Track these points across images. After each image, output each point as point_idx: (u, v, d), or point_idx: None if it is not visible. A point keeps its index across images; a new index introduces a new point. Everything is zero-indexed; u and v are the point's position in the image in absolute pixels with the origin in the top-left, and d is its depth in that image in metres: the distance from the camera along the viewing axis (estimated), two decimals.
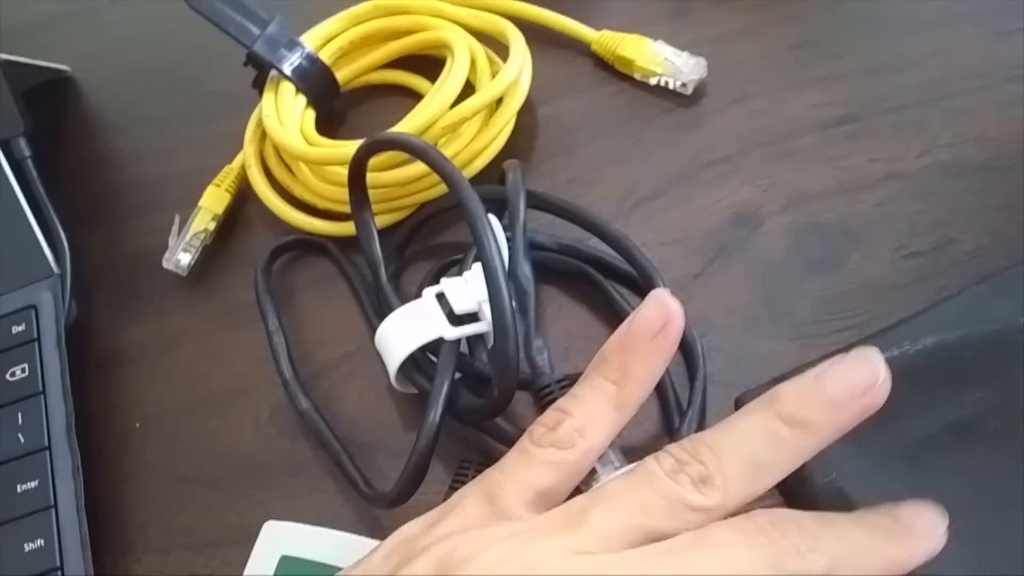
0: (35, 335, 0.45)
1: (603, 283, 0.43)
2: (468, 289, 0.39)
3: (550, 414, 0.31)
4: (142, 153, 0.55)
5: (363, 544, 0.37)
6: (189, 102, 0.57)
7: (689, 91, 0.48)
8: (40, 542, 0.40)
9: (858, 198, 0.43)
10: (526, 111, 0.49)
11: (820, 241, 0.42)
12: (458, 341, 0.39)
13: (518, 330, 0.35)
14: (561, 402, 0.32)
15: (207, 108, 0.56)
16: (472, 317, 0.39)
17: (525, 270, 0.39)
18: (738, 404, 0.38)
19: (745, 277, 0.42)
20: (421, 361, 0.39)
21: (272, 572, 0.37)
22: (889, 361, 0.36)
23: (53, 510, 0.40)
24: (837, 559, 0.27)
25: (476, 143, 0.46)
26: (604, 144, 0.47)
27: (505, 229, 0.41)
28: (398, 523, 0.30)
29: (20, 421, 0.43)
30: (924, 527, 0.29)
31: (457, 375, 0.38)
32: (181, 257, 0.48)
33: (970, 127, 0.44)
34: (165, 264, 0.48)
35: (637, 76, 0.49)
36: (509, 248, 0.40)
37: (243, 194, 0.51)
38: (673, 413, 0.39)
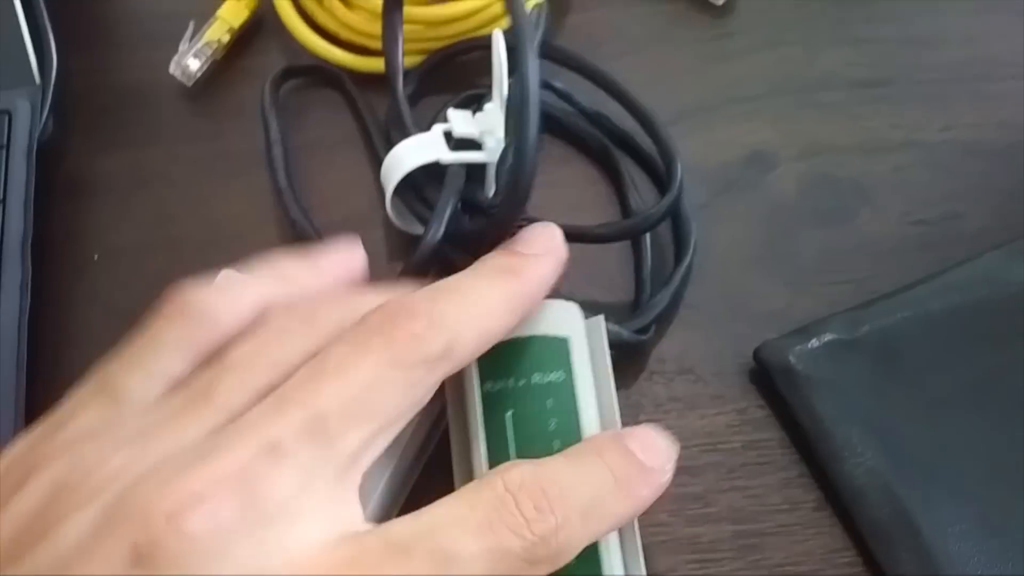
0: (4, 141, 0.42)
1: (619, 163, 0.43)
2: (473, 120, 0.39)
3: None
4: None
5: None
6: None
7: (720, 1, 0.48)
8: None
9: (875, 159, 0.43)
10: (556, 12, 0.48)
11: (831, 193, 0.42)
12: (463, 168, 0.38)
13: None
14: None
15: None
16: (473, 146, 0.39)
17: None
18: (757, 355, 0.37)
19: (750, 215, 0.42)
20: (422, 196, 0.39)
21: None
22: (911, 319, 0.37)
23: None
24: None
25: None
26: (631, 61, 0.46)
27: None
28: None
29: None
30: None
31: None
32: (190, 63, 0.46)
33: (994, 111, 0.44)
34: (172, 68, 0.46)
35: None
36: None
37: (261, 17, 0.49)
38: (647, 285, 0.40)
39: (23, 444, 0.25)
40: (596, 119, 0.44)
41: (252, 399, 0.24)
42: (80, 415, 0.25)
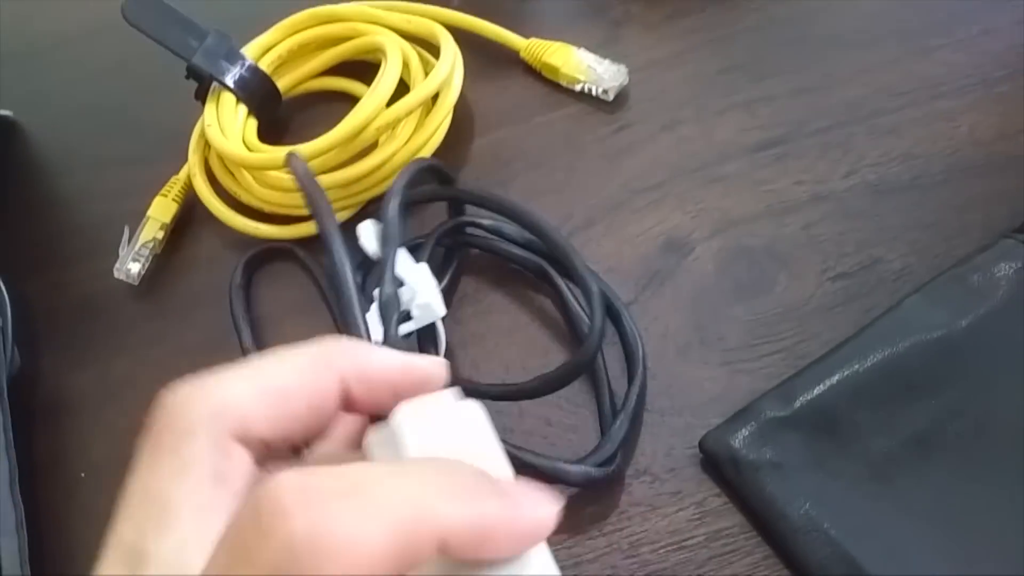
0: None
1: (557, 279, 0.44)
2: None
3: None
4: (86, 196, 0.55)
5: None
6: (134, 143, 0.56)
7: (611, 97, 0.49)
8: None
9: (785, 221, 0.43)
10: (461, 141, 0.50)
11: (748, 265, 0.43)
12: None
13: None
14: None
15: (153, 149, 0.55)
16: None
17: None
18: (702, 446, 0.38)
19: (676, 303, 0.42)
20: None
21: None
22: (840, 382, 0.38)
23: None
24: None
25: (413, 142, 0.48)
26: (538, 174, 0.48)
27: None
28: None
29: None
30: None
31: None
32: (131, 266, 0.49)
33: (896, 145, 0.44)
34: (116, 274, 0.48)
35: (563, 83, 0.50)
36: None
37: (191, 204, 0.51)
38: (607, 412, 0.40)
39: None
40: (528, 245, 0.45)
41: None
42: None
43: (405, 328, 0.41)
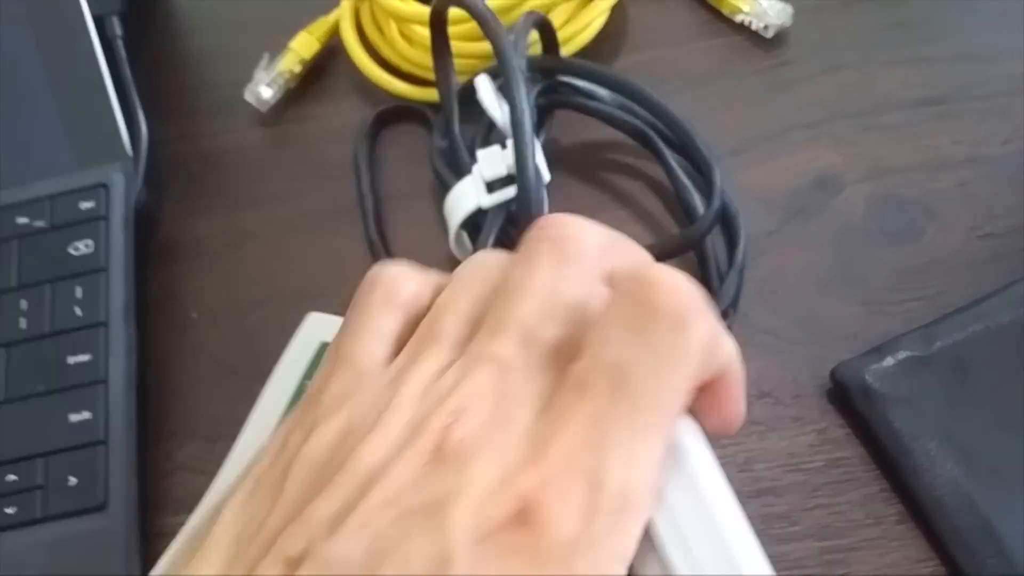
0: (104, 213, 0.45)
1: (662, 148, 0.44)
2: (501, 157, 0.42)
3: None
4: (230, 55, 0.54)
5: None
6: (282, 9, 0.56)
7: (770, 34, 0.49)
8: (87, 414, 0.40)
9: (939, 176, 0.44)
10: (612, 51, 0.50)
11: (898, 212, 0.43)
12: (501, 207, 0.41)
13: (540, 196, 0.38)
14: None
15: (298, 17, 0.54)
16: (509, 180, 0.42)
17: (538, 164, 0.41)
18: (834, 375, 0.38)
19: (821, 239, 0.42)
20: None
21: (310, 358, 0.36)
22: (983, 332, 0.38)
23: (104, 385, 0.40)
24: None
25: (563, 32, 0.48)
26: (693, 96, 0.48)
27: None
28: None
29: (79, 295, 0.42)
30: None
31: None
32: (263, 91, 0.49)
33: None
34: (246, 96, 0.49)
35: (725, 12, 0.50)
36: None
37: (331, 53, 0.52)
38: (712, 277, 0.42)
39: (288, 423, 0.26)
40: (628, 109, 0.46)
41: (470, 329, 0.25)
42: (331, 386, 0.25)
43: (502, 196, 0.41)
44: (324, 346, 0.37)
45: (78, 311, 0.42)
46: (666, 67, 0.49)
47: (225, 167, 0.49)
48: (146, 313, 0.44)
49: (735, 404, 0.25)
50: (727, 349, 0.24)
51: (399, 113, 0.50)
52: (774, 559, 0.35)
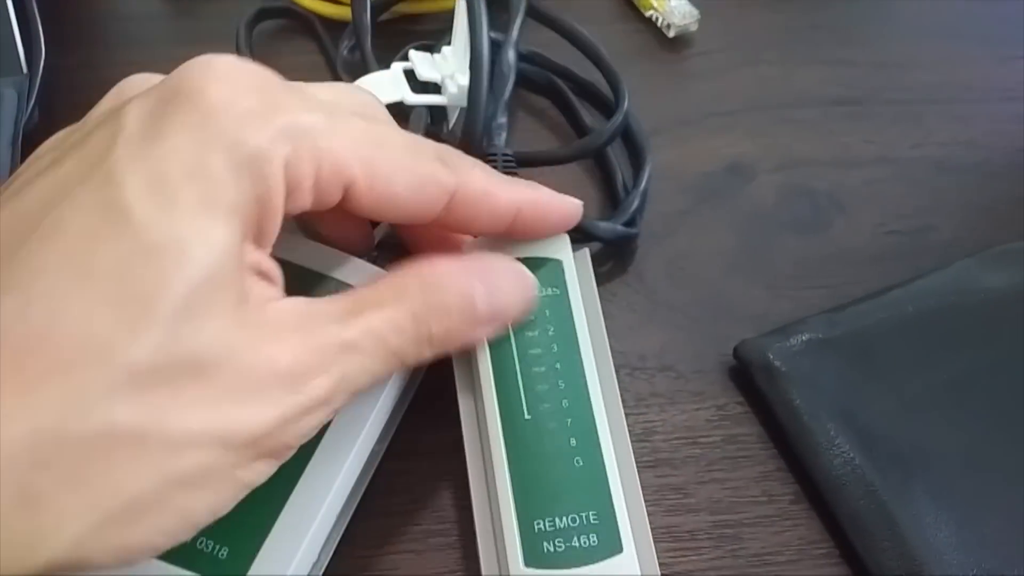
0: None
1: (568, 94, 0.46)
2: (434, 61, 0.42)
3: None
4: None
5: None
6: None
7: (671, 34, 0.49)
8: None
9: (850, 172, 0.44)
10: (538, 31, 0.49)
11: (807, 203, 0.43)
12: (425, 108, 0.41)
13: (486, 102, 0.37)
14: None
15: None
16: (435, 89, 0.41)
17: (510, 56, 0.40)
18: (736, 353, 0.38)
19: (731, 223, 0.42)
20: None
21: None
22: (888, 319, 0.38)
23: None
24: None
25: None
26: None
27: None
28: None
29: None
30: None
31: None
32: None
33: (964, 131, 0.46)
34: None
35: (637, 4, 0.51)
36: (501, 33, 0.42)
37: None
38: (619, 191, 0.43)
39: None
40: (533, 59, 0.46)
41: None
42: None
43: (429, 99, 0.41)
44: None
45: None
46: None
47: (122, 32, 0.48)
48: None
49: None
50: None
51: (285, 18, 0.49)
52: (667, 530, 0.35)
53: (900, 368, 0.37)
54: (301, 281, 0.32)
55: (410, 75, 0.41)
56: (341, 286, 0.33)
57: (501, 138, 0.41)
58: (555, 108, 0.46)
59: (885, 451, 0.35)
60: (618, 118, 0.41)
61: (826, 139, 0.45)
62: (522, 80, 0.46)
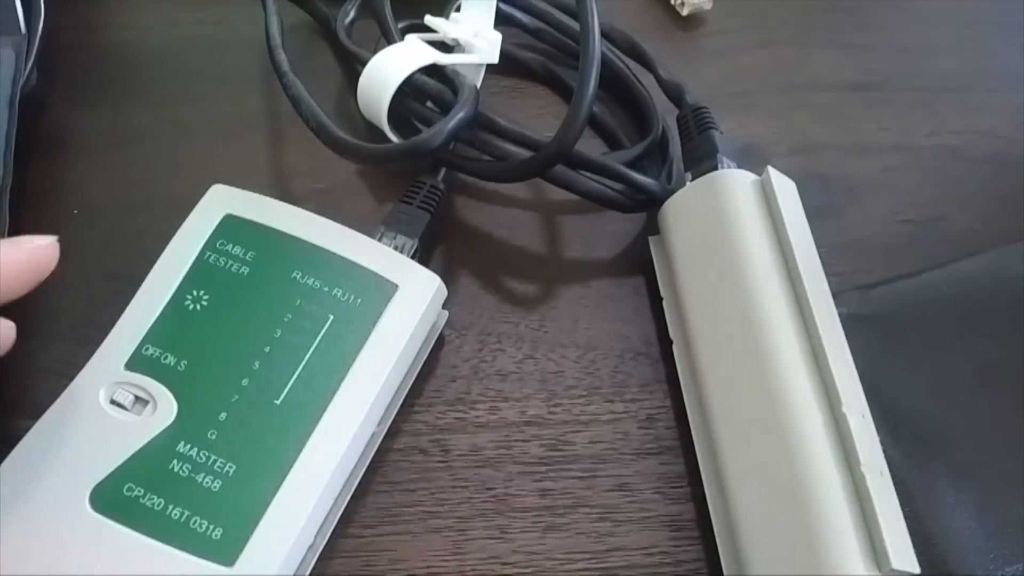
0: None
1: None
2: (457, 24, 0.40)
3: None
4: None
5: (318, 221, 0.35)
6: None
7: (684, 12, 0.48)
8: None
9: (864, 159, 0.43)
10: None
11: (820, 188, 0.42)
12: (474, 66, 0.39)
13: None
14: None
15: None
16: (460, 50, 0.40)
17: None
18: None
19: None
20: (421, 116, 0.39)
21: (212, 229, 0.35)
22: (925, 300, 0.38)
23: None
24: None
25: None
26: None
27: None
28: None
29: None
30: None
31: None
32: None
33: (982, 121, 0.45)
34: None
35: None
36: None
37: None
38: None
39: None
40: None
41: None
42: None
43: (462, 58, 0.39)
44: (229, 218, 0.35)
45: None
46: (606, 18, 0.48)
47: (124, 62, 0.46)
48: (22, 204, 0.40)
49: None
50: None
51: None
52: (668, 518, 0.35)
53: (931, 349, 0.37)
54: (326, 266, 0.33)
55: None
56: (358, 269, 0.33)
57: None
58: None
59: (909, 430, 0.35)
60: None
61: (841, 124, 0.44)
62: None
